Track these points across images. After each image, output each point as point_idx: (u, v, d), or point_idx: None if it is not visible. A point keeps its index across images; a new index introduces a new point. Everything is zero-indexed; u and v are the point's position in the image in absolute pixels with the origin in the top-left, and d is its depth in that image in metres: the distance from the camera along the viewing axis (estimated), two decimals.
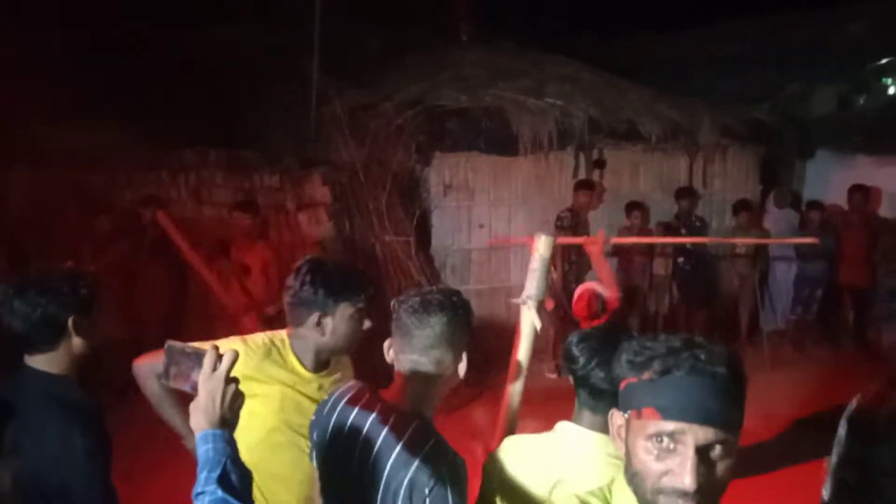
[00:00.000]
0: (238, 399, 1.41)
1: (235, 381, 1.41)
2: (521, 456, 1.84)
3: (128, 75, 6.92)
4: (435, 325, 1.67)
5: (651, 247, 7.12)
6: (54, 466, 1.77)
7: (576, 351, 1.77)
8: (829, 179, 7.92)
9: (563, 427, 1.80)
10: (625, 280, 7.02)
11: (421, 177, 6.78)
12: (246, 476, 1.38)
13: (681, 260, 7.28)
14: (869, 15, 10.13)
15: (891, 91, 9.22)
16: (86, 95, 6.04)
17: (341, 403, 1.76)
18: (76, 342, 1.93)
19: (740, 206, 7.03)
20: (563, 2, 10.36)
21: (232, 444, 1.38)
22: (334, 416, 1.75)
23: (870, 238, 6.99)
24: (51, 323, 1.88)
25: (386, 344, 1.78)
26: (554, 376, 6.49)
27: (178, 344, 1.45)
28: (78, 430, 1.81)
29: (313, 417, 1.84)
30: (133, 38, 7.37)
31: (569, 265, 6.75)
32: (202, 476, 1.32)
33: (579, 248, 6.74)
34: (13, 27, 6.02)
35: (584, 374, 1.74)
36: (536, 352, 6.79)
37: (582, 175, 7.14)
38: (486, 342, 6.26)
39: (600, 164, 7.26)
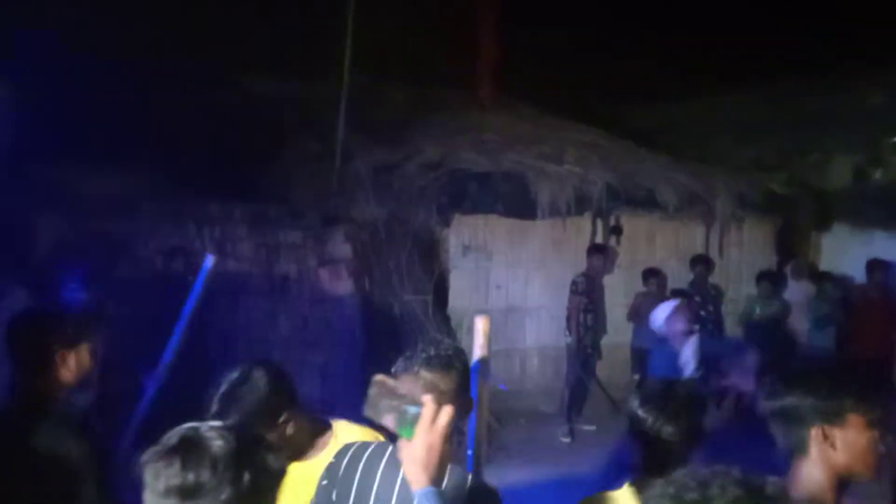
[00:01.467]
0: (447, 460, 1.42)
1: (449, 440, 1.41)
2: None
3: (156, 124, 7.12)
4: (454, 377, 1.82)
5: None
6: None
7: (641, 413, 1.94)
8: (846, 253, 7.96)
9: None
10: (640, 343, 7.04)
11: (440, 237, 6.89)
12: None
13: (696, 327, 7.28)
14: (886, 85, 10.29)
15: None
16: (113, 143, 6.24)
17: (364, 457, 1.86)
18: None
19: (762, 277, 7.08)
20: (583, 69, 10.59)
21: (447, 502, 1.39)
22: (358, 469, 1.84)
23: (888, 313, 6.98)
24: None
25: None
26: (568, 440, 6.46)
27: (389, 381, 1.47)
28: None
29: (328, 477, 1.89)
30: (162, 86, 7.61)
31: (584, 329, 6.77)
32: None
33: (596, 314, 6.80)
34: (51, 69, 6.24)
35: (654, 432, 1.91)
36: (550, 416, 6.81)
37: (599, 240, 7.24)
38: (500, 403, 6.30)
39: (617, 230, 7.36)
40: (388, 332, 6.24)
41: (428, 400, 1.40)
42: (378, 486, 1.80)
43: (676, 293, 7.19)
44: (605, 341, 7.14)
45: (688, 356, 4.88)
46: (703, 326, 7.25)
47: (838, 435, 1.54)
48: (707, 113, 10.37)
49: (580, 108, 9.14)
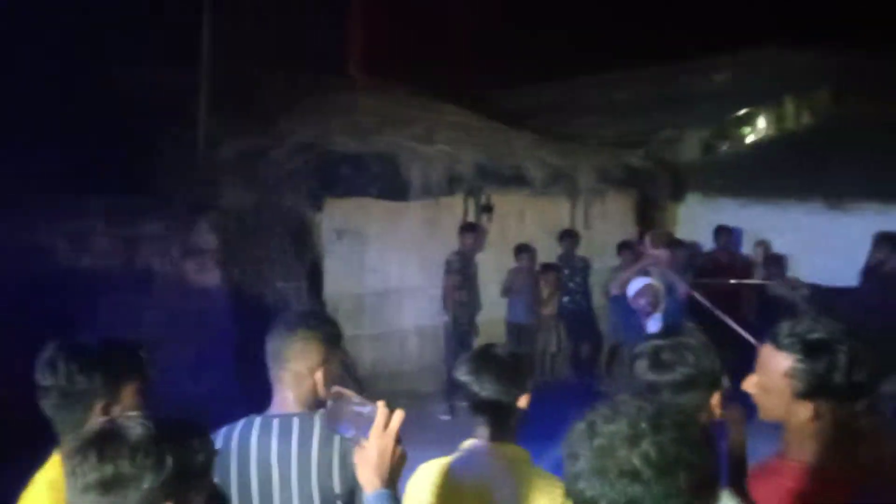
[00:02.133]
0: (402, 461, 1.45)
1: (400, 441, 1.44)
2: (444, 479, 1.95)
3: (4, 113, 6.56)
4: (295, 341, 1.90)
5: (537, 287, 7.41)
6: None
7: (458, 376, 2.03)
8: (698, 221, 8.56)
9: (474, 445, 1.98)
10: (514, 317, 7.30)
11: (313, 222, 6.78)
12: None
13: (566, 299, 7.62)
14: (732, 67, 11.10)
15: (749, 139, 10.12)
16: None
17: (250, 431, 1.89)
18: None
19: (622, 247, 7.48)
20: (452, 52, 10.71)
21: None
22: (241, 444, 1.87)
23: (734, 274, 7.57)
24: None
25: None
26: (448, 418, 6.58)
27: (345, 391, 1.46)
28: None
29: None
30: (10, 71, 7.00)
31: (460, 307, 6.92)
32: None
33: (470, 291, 6.95)
34: None
35: (469, 394, 1.99)
36: (430, 395, 6.89)
37: (471, 219, 7.38)
38: (379, 385, 6.33)
39: (488, 208, 7.53)
40: (261, 322, 6.08)
41: (380, 405, 1.43)
42: (257, 456, 1.84)
43: (546, 267, 7.51)
44: (480, 317, 7.32)
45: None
46: (571, 298, 7.61)
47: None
48: (573, 95, 10.78)
49: (452, 91, 9.25)
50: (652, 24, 12.45)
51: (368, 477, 1.41)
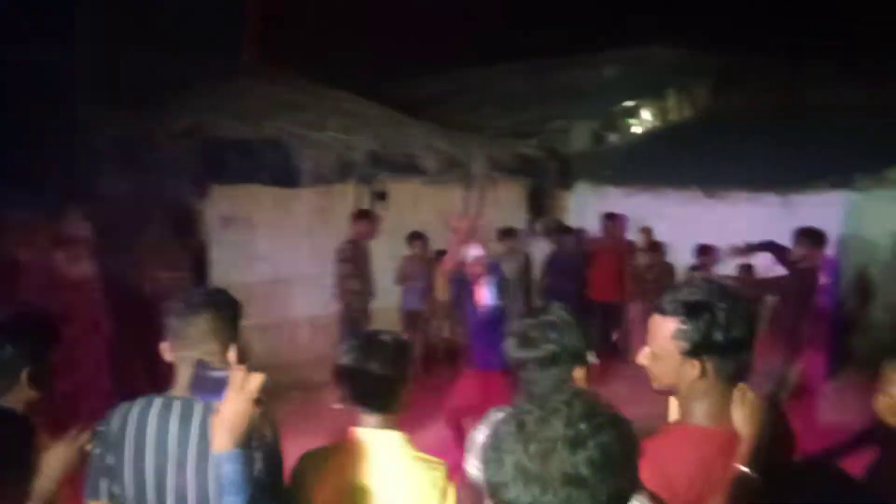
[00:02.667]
0: (254, 423, 1.47)
1: (262, 402, 1.45)
2: (328, 467, 1.93)
3: None
4: (202, 321, 1.85)
5: (431, 274, 7.44)
6: None
7: (343, 362, 2.00)
8: (587, 208, 8.84)
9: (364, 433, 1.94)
10: (408, 304, 7.31)
11: (197, 210, 6.53)
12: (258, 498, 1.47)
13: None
14: (619, 62, 11.54)
15: (635, 130, 10.56)
16: None
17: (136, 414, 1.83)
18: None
19: (505, 234, 7.63)
20: (348, 39, 10.59)
21: (251, 464, 1.47)
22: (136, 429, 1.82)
23: (619, 259, 7.88)
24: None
25: (163, 345, 1.91)
26: (340, 406, 6.50)
27: (206, 363, 1.53)
28: None
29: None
30: None
31: (353, 295, 6.86)
32: (231, 498, 1.40)
33: (363, 280, 6.90)
34: None
35: (353, 381, 1.98)
36: (323, 385, 6.82)
37: (364, 207, 7.33)
38: (270, 377, 6.18)
39: (382, 196, 7.50)
40: (140, 314, 5.82)
41: (235, 367, 1.47)
42: (154, 437, 1.78)
43: (440, 254, 7.55)
44: (374, 305, 7.29)
45: None
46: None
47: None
48: (467, 85, 10.90)
49: (346, 79, 9.13)
50: (544, 18, 12.76)
51: (223, 437, 1.41)
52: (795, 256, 5.12)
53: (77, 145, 6.62)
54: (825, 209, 7.05)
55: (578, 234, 8.03)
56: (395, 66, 11.19)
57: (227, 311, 1.92)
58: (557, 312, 1.94)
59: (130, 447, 1.78)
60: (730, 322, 1.53)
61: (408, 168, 7.49)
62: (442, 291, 7.58)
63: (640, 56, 11.44)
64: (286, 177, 6.76)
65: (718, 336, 1.53)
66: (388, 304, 7.38)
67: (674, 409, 1.75)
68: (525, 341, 1.84)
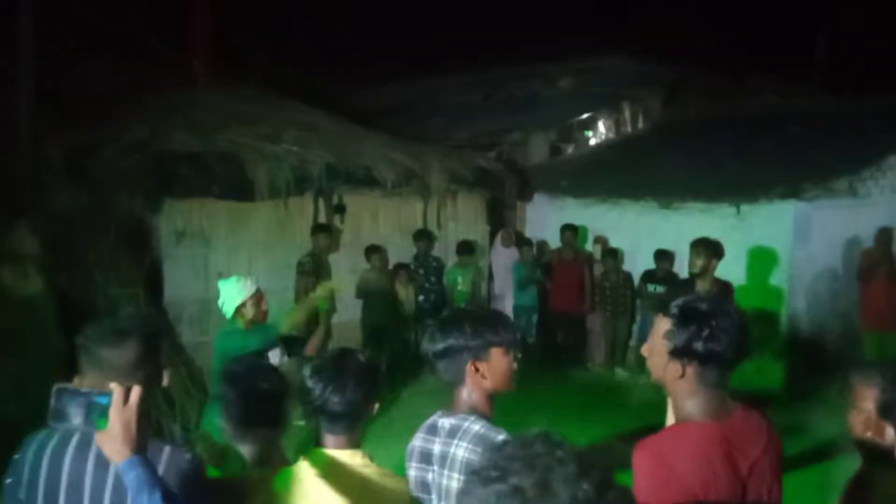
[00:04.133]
0: (146, 431, 1.52)
1: (146, 411, 1.49)
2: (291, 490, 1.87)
3: None
4: (127, 349, 1.76)
5: (393, 287, 7.42)
6: None
7: (310, 383, 1.90)
8: (545, 220, 8.92)
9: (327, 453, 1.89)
10: (371, 319, 7.25)
11: (150, 224, 6.38)
12: (174, 493, 1.51)
13: (421, 298, 7.68)
14: (574, 73, 11.68)
15: (591, 142, 10.71)
16: None
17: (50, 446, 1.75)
18: None
19: (461, 248, 7.68)
20: (304, 50, 10.52)
21: (153, 467, 1.50)
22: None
23: (578, 270, 7.95)
24: None
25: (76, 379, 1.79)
26: (303, 423, 6.40)
27: (69, 385, 1.52)
28: None
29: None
30: None
31: None
32: (144, 498, 1.44)
33: None
34: None
35: (322, 402, 1.87)
36: None
37: (323, 220, 7.26)
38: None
39: (340, 209, 7.45)
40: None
41: (114, 386, 1.48)
42: (68, 475, 1.68)
43: (398, 266, 7.53)
44: (335, 320, 7.20)
45: None
46: (426, 297, 7.68)
47: (485, 366, 1.90)
48: (425, 96, 10.91)
49: (304, 91, 9.05)
50: (498, 29, 12.88)
51: (117, 449, 1.47)
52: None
53: (24, 158, 6.43)
54: (776, 220, 7.25)
55: (540, 246, 8.10)
56: (348, 76, 11.16)
57: (154, 338, 1.85)
58: (461, 312, 2.16)
59: (42, 486, 1.69)
60: (713, 336, 1.66)
61: (365, 181, 7.46)
62: (405, 303, 7.60)
63: (593, 68, 11.59)
64: (241, 190, 6.67)
65: (699, 345, 1.66)
66: (348, 318, 7.31)
67: (670, 417, 1.86)
68: (430, 336, 2.00)
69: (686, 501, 1.57)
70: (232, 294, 3.91)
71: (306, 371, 1.94)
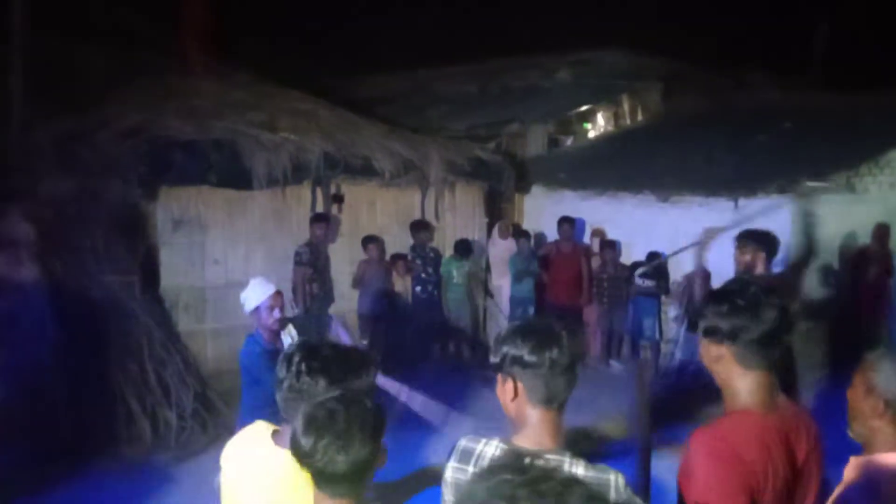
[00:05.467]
0: None
1: None
2: None
3: None
4: None
5: (388, 277, 7.38)
6: None
7: (304, 441, 1.65)
8: (543, 212, 8.88)
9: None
10: (365, 308, 7.22)
11: (146, 212, 6.31)
12: None
13: (418, 289, 7.65)
14: (573, 66, 11.64)
15: (590, 134, 10.67)
16: None
17: None
18: None
19: (460, 247, 7.66)
20: (301, 37, 10.42)
21: None
22: None
23: (577, 263, 7.92)
24: None
25: None
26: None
27: None
28: None
29: None
30: None
31: (311, 299, 6.75)
32: None
33: (322, 283, 6.80)
34: None
35: (323, 464, 1.56)
36: None
37: (321, 209, 7.21)
38: (224, 382, 6.01)
39: (338, 198, 7.39)
40: (87, 319, 5.60)
41: None
42: None
43: (395, 257, 7.50)
44: (333, 309, 7.18)
45: None
46: (423, 288, 7.65)
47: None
48: (422, 87, 10.83)
49: (301, 78, 8.97)
50: (497, 20, 12.81)
51: None
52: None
53: (16, 144, 6.35)
54: (774, 214, 7.23)
55: (537, 238, 8.07)
56: (345, 65, 11.06)
57: None
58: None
59: None
60: (735, 311, 1.67)
61: (363, 170, 7.39)
62: (402, 294, 7.57)
63: (592, 60, 11.55)
64: (238, 178, 6.59)
65: (724, 322, 1.68)
66: (347, 307, 7.28)
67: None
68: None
69: (749, 486, 1.56)
70: (253, 293, 3.79)
71: (297, 424, 1.59)
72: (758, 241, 4.33)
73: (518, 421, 1.62)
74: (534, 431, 1.59)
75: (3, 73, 6.38)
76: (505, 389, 1.61)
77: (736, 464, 1.58)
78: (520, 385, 1.59)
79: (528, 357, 1.57)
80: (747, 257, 4.30)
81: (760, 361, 1.70)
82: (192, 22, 8.49)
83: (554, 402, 1.60)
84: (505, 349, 1.60)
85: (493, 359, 1.64)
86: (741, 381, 1.71)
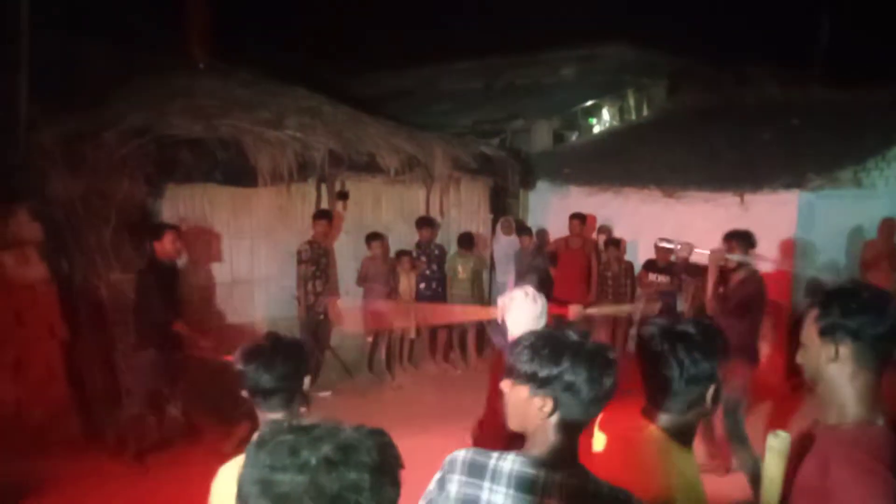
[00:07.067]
0: None
1: None
2: None
3: None
4: None
5: (394, 275, 7.40)
6: None
7: (241, 366, 2.08)
8: (548, 208, 8.88)
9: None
10: (371, 306, 7.23)
11: (153, 210, 6.34)
12: None
13: (422, 286, 7.65)
14: (577, 62, 11.59)
15: (595, 129, 10.65)
16: None
17: None
18: None
19: (463, 240, 7.64)
20: (305, 35, 10.41)
21: None
22: None
23: (586, 259, 7.90)
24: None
25: None
26: (303, 409, 6.39)
27: None
28: None
29: None
30: None
31: (315, 297, 6.77)
32: None
33: (325, 280, 6.81)
34: None
35: (254, 382, 2.06)
36: None
37: (326, 206, 7.22)
38: (228, 381, 6.04)
39: (343, 195, 7.40)
40: (95, 317, 5.63)
41: None
42: None
43: (400, 253, 7.51)
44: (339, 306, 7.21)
45: None
46: (428, 285, 7.66)
47: None
48: (426, 83, 10.81)
49: (305, 76, 8.97)
50: (501, 15, 12.75)
51: None
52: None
53: (24, 144, 6.37)
54: (781, 208, 7.22)
55: (540, 234, 8.06)
56: (350, 62, 11.04)
57: None
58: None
59: None
60: (862, 309, 1.64)
61: (368, 167, 7.40)
62: (408, 291, 7.57)
63: (597, 56, 11.49)
64: (243, 176, 6.61)
65: (848, 321, 1.64)
66: (352, 305, 7.30)
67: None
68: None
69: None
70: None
71: (237, 356, 2.09)
72: (743, 239, 4.87)
73: (536, 435, 1.56)
74: (557, 448, 1.53)
75: (9, 72, 6.41)
76: (532, 404, 1.53)
77: (888, 485, 1.51)
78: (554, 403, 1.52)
79: (580, 385, 1.49)
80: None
81: (879, 365, 1.67)
82: (196, 20, 8.51)
83: (586, 426, 1.57)
84: (555, 371, 1.50)
85: (538, 371, 1.52)
86: (854, 382, 1.67)
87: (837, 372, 1.68)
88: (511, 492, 1.50)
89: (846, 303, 1.66)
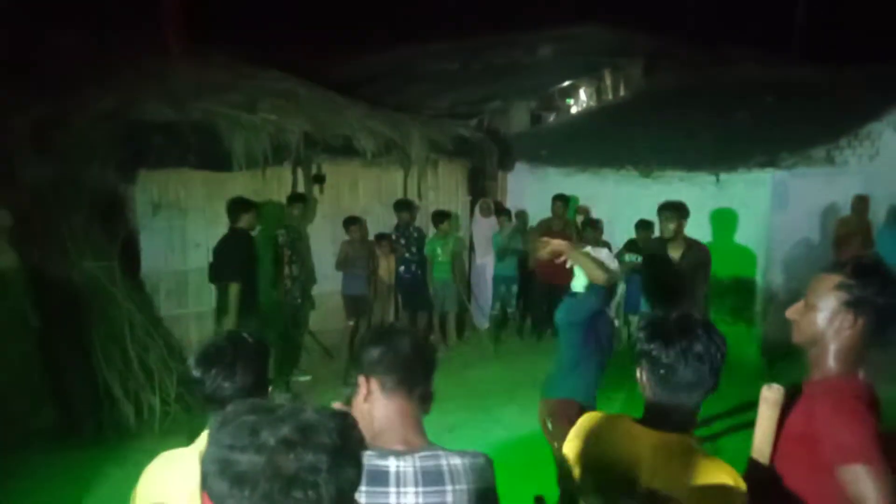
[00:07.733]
0: None
1: None
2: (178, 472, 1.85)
3: None
4: None
5: (373, 259, 7.37)
6: None
7: (197, 372, 1.88)
8: (526, 190, 8.89)
9: None
10: (350, 290, 7.21)
11: (124, 196, 6.25)
12: None
13: (402, 269, 7.64)
14: (553, 42, 11.55)
15: (572, 110, 10.65)
16: None
17: None
18: None
19: (438, 217, 7.62)
20: (277, 17, 10.27)
21: None
22: None
23: (568, 240, 7.88)
24: None
25: None
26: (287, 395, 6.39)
27: None
28: None
29: None
30: None
31: (291, 281, 6.73)
32: None
33: (302, 265, 6.77)
34: None
35: (211, 390, 1.87)
36: None
37: (302, 190, 7.17)
38: None
39: (320, 178, 7.35)
40: (67, 305, 5.55)
41: None
42: None
43: (379, 237, 7.48)
44: (316, 290, 7.18)
45: None
46: (407, 268, 7.65)
47: None
48: (402, 65, 10.70)
49: (279, 58, 8.85)
50: None
51: None
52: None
53: None
54: (755, 188, 7.29)
55: (519, 216, 8.06)
56: (324, 44, 10.91)
57: None
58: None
59: None
60: (891, 288, 1.72)
61: (344, 150, 7.33)
62: (386, 274, 7.55)
63: (573, 36, 11.46)
64: (217, 160, 6.53)
65: (880, 298, 1.71)
66: (330, 289, 7.28)
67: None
68: None
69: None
70: None
71: (191, 359, 1.90)
72: (679, 210, 5.22)
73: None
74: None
75: None
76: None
77: (871, 424, 1.63)
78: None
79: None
80: (672, 225, 5.19)
81: (881, 340, 1.77)
82: (169, 3, 8.35)
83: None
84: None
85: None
86: (856, 352, 1.76)
87: (846, 338, 1.76)
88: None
89: (881, 280, 1.73)
